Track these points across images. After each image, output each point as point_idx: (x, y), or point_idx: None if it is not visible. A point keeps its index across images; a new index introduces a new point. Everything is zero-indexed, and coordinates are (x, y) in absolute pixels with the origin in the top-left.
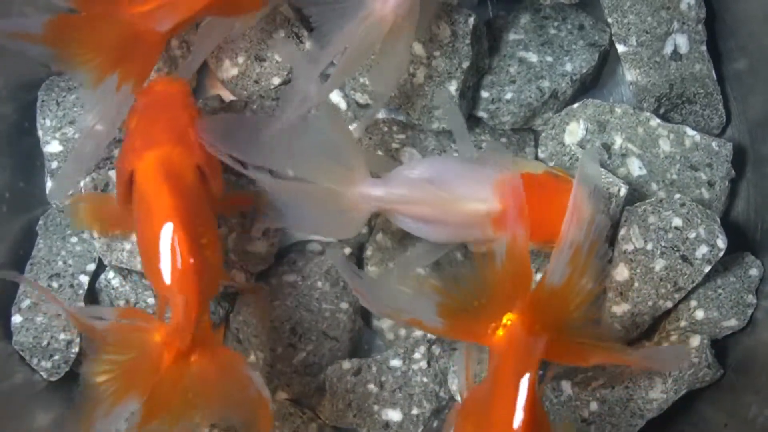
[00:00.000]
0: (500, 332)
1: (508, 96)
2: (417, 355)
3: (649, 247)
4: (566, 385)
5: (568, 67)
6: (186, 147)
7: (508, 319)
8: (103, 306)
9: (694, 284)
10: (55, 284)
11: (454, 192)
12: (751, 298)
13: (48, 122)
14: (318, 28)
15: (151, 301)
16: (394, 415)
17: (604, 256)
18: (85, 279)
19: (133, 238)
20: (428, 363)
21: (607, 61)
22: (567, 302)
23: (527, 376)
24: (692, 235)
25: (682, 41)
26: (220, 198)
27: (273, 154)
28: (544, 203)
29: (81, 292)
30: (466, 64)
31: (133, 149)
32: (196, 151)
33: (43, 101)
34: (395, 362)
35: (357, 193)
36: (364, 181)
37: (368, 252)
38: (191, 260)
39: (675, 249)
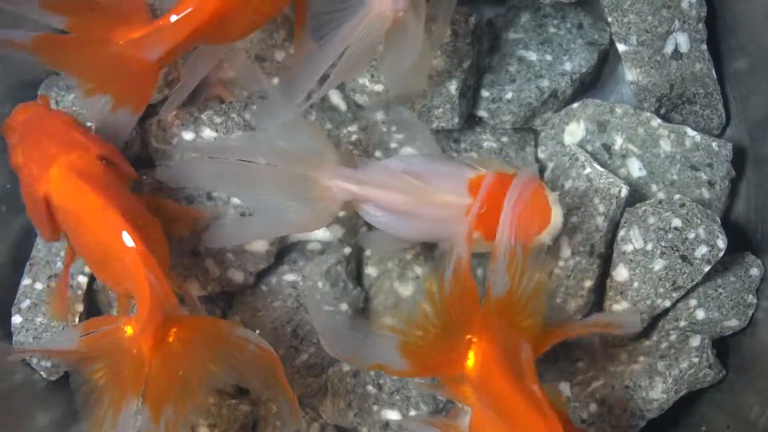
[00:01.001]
0: (471, 356)
1: (509, 95)
2: None
3: (649, 247)
4: (565, 387)
5: (568, 66)
6: (79, 147)
7: (469, 340)
8: (71, 325)
9: (694, 283)
10: (54, 284)
11: (430, 184)
12: (751, 298)
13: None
14: (319, 33)
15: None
16: (393, 416)
17: (540, 254)
18: (83, 279)
19: None
20: None
21: (607, 61)
22: (517, 306)
23: (530, 381)
24: (692, 236)
25: (682, 40)
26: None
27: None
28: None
29: (80, 292)
30: (466, 64)
31: (35, 178)
32: (90, 146)
33: None
34: None
35: (329, 179)
36: (337, 168)
37: (368, 252)
38: (140, 242)
39: (675, 249)
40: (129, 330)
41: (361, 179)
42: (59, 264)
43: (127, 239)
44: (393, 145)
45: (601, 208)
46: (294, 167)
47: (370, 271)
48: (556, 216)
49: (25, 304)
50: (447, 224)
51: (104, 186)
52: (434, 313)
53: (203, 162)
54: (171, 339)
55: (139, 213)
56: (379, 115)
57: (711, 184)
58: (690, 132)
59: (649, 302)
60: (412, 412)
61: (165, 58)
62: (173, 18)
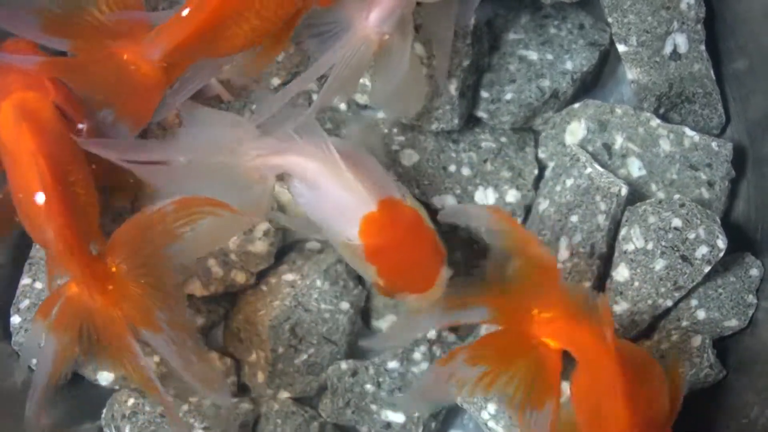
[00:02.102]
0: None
1: (508, 96)
2: (417, 356)
3: (650, 247)
4: (566, 386)
5: (569, 65)
6: (38, 89)
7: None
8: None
9: (695, 283)
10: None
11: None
12: (751, 299)
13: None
14: (312, 55)
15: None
16: (395, 417)
17: None
18: None
19: None
20: (429, 364)
21: (607, 61)
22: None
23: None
24: (692, 236)
25: (681, 41)
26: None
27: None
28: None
29: None
30: (466, 63)
31: None
32: (50, 92)
33: None
34: (393, 364)
35: (250, 159)
36: (254, 143)
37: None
38: (55, 199)
39: (675, 249)
40: (74, 291)
41: (280, 148)
42: None
43: (41, 194)
44: (394, 147)
45: (603, 206)
46: (212, 159)
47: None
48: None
49: (24, 303)
50: (344, 219)
51: (45, 133)
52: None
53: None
54: (114, 269)
55: (73, 168)
56: (380, 115)
57: (710, 184)
58: (689, 132)
59: (650, 302)
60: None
61: (170, 71)
62: (174, 18)
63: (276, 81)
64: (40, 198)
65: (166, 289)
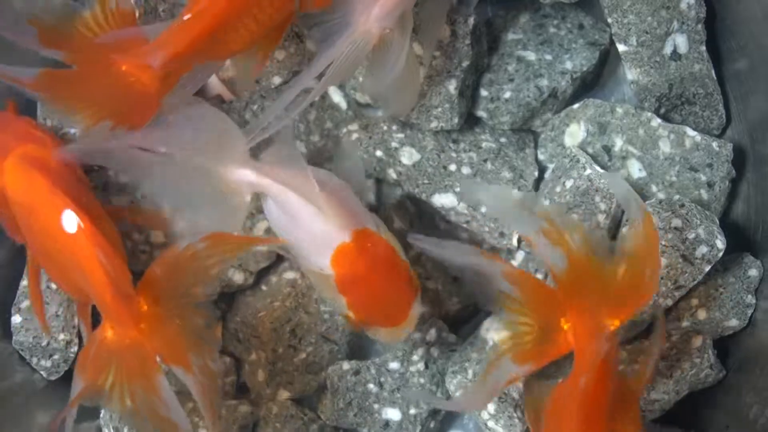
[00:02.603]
0: (568, 332)
1: (507, 95)
2: (415, 357)
3: None
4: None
5: (568, 65)
6: (36, 142)
7: (561, 323)
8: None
9: (695, 282)
10: (54, 285)
11: (326, 203)
12: (750, 299)
13: (49, 122)
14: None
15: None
16: (393, 414)
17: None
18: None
19: (135, 236)
20: (426, 365)
21: (607, 61)
22: (586, 263)
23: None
24: (691, 236)
25: (681, 41)
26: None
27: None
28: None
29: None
30: (465, 64)
31: None
32: (48, 144)
33: None
34: (394, 365)
35: (232, 171)
36: (239, 157)
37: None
38: (88, 222)
39: (675, 249)
40: (108, 333)
41: (261, 169)
42: None
43: (74, 220)
44: (394, 144)
45: (603, 206)
46: (198, 160)
47: None
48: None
49: (25, 303)
50: (317, 247)
51: (56, 176)
52: (525, 320)
53: (118, 145)
54: (145, 307)
55: (92, 206)
56: (380, 114)
57: (710, 185)
58: (690, 132)
59: (650, 301)
60: (413, 411)
61: (167, 80)
62: (175, 24)
63: (277, 80)
64: (71, 226)
65: (198, 328)
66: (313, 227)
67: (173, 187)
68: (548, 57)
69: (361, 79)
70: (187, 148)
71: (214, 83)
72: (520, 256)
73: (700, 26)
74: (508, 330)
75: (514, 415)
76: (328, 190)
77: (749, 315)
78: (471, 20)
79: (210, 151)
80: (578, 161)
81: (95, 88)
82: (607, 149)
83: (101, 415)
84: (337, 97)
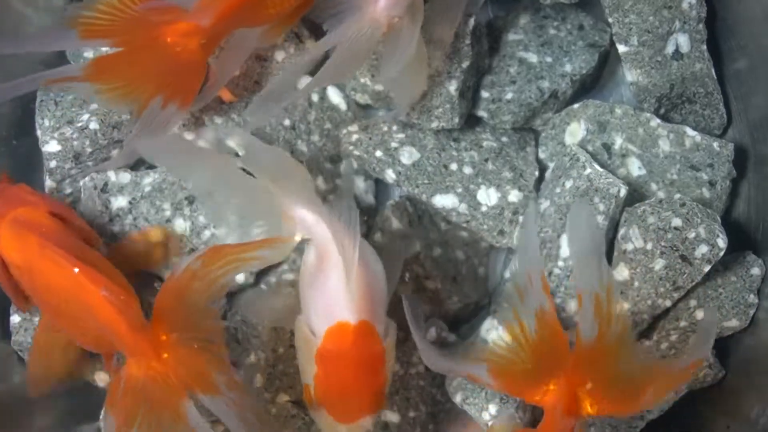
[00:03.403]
0: (554, 390)
1: (509, 96)
2: (415, 359)
3: (649, 246)
4: None
5: (568, 67)
6: (27, 204)
7: (554, 383)
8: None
9: (694, 283)
10: None
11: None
12: (752, 298)
13: (47, 122)
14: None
15: (151, 299)
16: (392, 417)
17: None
18: None
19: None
20: (426, 367)
21: (607, 62)
22: (608, 349)
23: None
24: (692, 235)
25: (683, 41)
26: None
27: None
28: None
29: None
30: (466, 64)
31: None
32: (40, 204)
33: (41, 101)
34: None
35: (295, 207)
36: (306, 198)
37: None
38: (84, 266)
39: (674, 249)
40: (133, 368)
41: (320, 215)
42: None
43: (70, 267)
44: (394, 144)
45: (601, 207)
46: (270, 185)
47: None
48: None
49: None
50: (323, 309)
51: (52, 234)
52: (522, 351)
53: (185, 145)
54: (164, 336)
55: (90, 252)
56: (380, 114)
57: (712, 184)
58: (690, 132)
59: (650, 302)
60: (411, 413)
61: (209, 43)
62: None
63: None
64: (69, 273)
65: (218, 346)
66: (331, 291)
67: (228, 190)
68: (549, 59)
69: (362, 80)
70: (263, 172)
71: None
72: None
73: (701, 26)
74: (507, 338)
75: (516, 415)
76: (364, 268)
77: (751, 314)
78: (471, 21)
79: (281, 181)
80: (578, 160)
81: (144, 65)
82: (607, 147)
83: (101, 416)
84: (336, 98)
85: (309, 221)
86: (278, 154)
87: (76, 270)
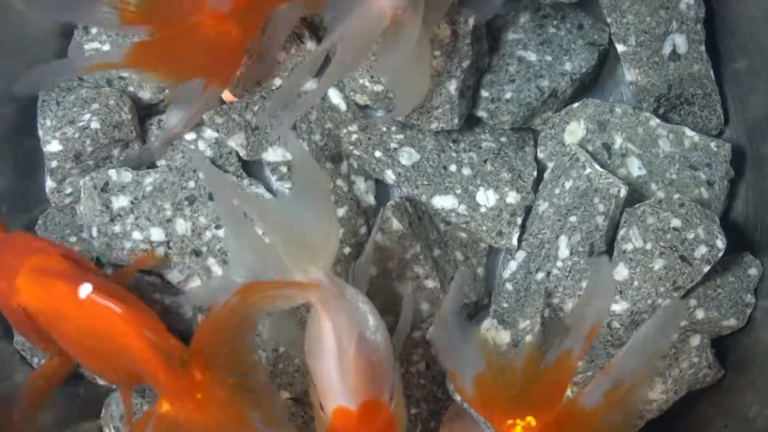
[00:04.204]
0: (518, 430)
1: (508, 95)
2: (415, 357)
3: (649, 246)
4: None
5: (568, 66)
6: (39, 251)
7: (528, 421)
8: None
9: (693, 283)
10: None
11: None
12: (750, 298)
13: (48, 122)
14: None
15: (156, 296)
16: None
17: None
18: None
19: (135, 235)
20: (427, 365)
21: (606, 61)
22: (597, 425)
23: None
24: (691, 236)
25: (680, 41)
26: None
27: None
28: None
29: None
30: (466, 64)
31: (6, 294)
32: (51, 250)
33: (43, 101)
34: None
35: (308, 274)
36: (323, 271)
37: (366, 251)
38: (122, 305)
39: (674, 249)
40: (165, 407)
41: (325, 291)
42: None
43: (107, 307)
44: (393, 145)
45: (601, 208)
46: (289, 246)
47: (370, 270)
48: None
49: None
50: (328, 390)
51: (72, 276)
52: (522, 375)
53: (234, 187)
54: (199, 376)
55: (118, 292)
56: (379, 114)
57: (710, 183)
58: (688, 132)
59: (649, 302)
60: (413, 411)
61: (245, 25)
62: None
63: (278, 81)
64: (107, 323)
65: (255, 383)
66: (330, 374)
67: (253, 237)
68: (548, 58)
69: (361, 81)
70: (285, 230)
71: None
72: (520, 255)
73: (699, 26)
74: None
75: None
76: (363, 344)
77: (748, 314)
78: (471, 20)
79: (301, 246)
80: (578, 160)
81: (183, 49)
82: (607, 147)
83: (102, 415)
84: (336, 98)
85: (311, 292)
86: (325, 189)
87: (118, 310)
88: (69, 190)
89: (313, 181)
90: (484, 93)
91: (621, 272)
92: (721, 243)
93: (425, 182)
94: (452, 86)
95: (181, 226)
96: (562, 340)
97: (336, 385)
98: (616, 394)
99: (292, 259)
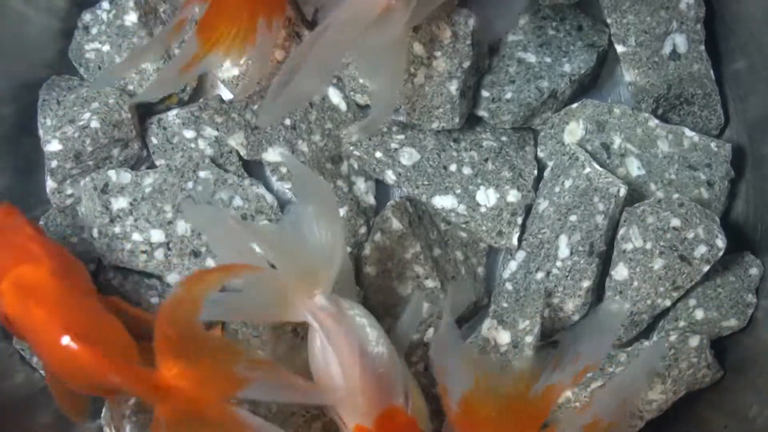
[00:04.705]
0: None
1: (508, 95)
2: (414, 358)
3: (648, 246)
4: None
5: (567, 68)
6: (31, 261)
7: None
8: None
9: (693, 283)
10: None
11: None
12: (751, 298)
13: (48, 121)
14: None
15: (154, 300)
16: None
17: None
18: None
19: (135, 237)
20: (426, 366)
21: (605, 62)
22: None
23: None
24: (691, 235)
25: (680, 41)
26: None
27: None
28: None
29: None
30: (466, 64)
31: None
32: (43, 260)
33: (44, 100)
34: None
35: (305, 301)
36: (320, 294)
37: (366, 251)
38: (85, 343)
39: (673, 249)
40: (162, 410)
41: (325, 310)
42: None
43: (81, 350)
44: (393, 145)
45: (601, 207)
46: (286, 274)
47: (369, 270)
48: None
49: None
50: (345, 406)
51: (52, 300)
52: (509, 401)
53: (225, 217)
54: (175, 370)
55: (93, 319)
56: (365, 118)
57: (710, 183)
58: (688, 132)
59: (649, 302)
60: None
61: None
62: None
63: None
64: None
65: (225, 350)
66: (341, 395)
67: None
68: (548, 60)
69: (361, 80)
70: (283, 256)
71: (215, 84)
72: (520, 255)
73: (699, 26)
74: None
75: None
76: (367, 359)
77: (749, 314)
78: (471, 21)
79: (297, 272)
80: (577, 159)
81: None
82: (606, 147)
83: (102, 415)
84: (336, 98)
85: (318, 316)
86: (330, 201)
87: (76, 347)
88: (70, 191)
89: (317, 195)
90: (485, 93)
91: (621, 272)
92: (721, 242)
93: (425, 182)
94: (453, 86)
95: (181, 226)
96: (553, 371)
97: (348, 407)
98: (594, 429)
99: (292, 284)
